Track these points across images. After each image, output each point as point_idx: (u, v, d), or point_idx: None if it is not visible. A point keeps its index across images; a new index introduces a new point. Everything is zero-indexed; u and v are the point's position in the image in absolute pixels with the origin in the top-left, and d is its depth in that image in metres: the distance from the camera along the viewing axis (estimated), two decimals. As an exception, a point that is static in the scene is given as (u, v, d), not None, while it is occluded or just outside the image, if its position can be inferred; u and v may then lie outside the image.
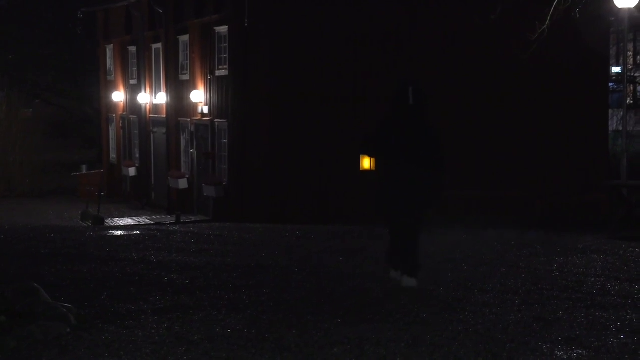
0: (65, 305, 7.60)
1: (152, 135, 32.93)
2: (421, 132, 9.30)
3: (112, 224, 25.71)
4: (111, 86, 37.13)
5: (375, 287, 9.39)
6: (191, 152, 29.21)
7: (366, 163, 9.61)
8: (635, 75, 42.51)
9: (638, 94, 44.69)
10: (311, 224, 20.60)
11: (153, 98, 32.47)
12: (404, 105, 9.31)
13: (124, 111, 35.83)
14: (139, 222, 26.69)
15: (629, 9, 23.36)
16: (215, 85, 27.26)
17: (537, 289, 9.17)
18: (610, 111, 30.81)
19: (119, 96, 36.08)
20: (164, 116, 31.34)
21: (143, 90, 32.94)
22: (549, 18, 20.11)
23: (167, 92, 31.09)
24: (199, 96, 28.12)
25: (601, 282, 9.61)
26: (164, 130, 31.54)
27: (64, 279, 9.84)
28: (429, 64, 25.58)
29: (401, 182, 9.29)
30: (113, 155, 37.51)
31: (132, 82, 34.60)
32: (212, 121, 27.46)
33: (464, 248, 12.81)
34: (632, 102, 42.00)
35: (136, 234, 15.67)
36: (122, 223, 26.26)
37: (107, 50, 37.78)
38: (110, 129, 38.02)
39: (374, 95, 23.69)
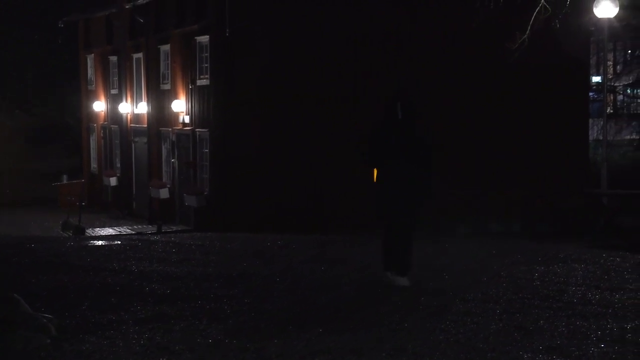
0: (45, 316, 7.57)
1: (133, 144, 32.85)
2: (411, 145, 9.67)
3: (93, 234, 25.61)
4: (92, 96, 37.04)
5: (357, 297, 9.39)
6: (172, 162, 29.14)
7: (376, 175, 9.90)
8: (615, 84, 42.74)
9: (618, 103, 44.91)
10: (304, 228, 20.66)
11: (134, 107, 32.40)
12: (393, 120, 9.69)
13: (105, 121, 35.74)
14: (120, 232, 26.60)
15: (609, 18, 23.51)
16: (196, 95, 27.21)
17: (518, 298, 9.19)
18: (591, 120, 30.93)
19: (99, 106, 35.99)
20: (145, 126, 31.27)
21: (124, 100, 32.87)
22: (529, 27, 20.17)
23: (148, 101, 31.03)
24: (180, 106, 28.08)
25: (582, 291, 9.64)
26: (145, 139, 31.47)
27: (45, 289, 9.79)
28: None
29: (400, 183, 9.67)
30: (94, 164, 37.40)
31: (113, 91, 34.52)
32: (193, 130, 27.41)
33: (446, 257, 12.81)
34: (612, 111, 42.19)
35: (117, 243, 15.59)
36: (103, 233, 26.18)
37: (88, 59, 37.71)
38: (91, 138, 37.92)
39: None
